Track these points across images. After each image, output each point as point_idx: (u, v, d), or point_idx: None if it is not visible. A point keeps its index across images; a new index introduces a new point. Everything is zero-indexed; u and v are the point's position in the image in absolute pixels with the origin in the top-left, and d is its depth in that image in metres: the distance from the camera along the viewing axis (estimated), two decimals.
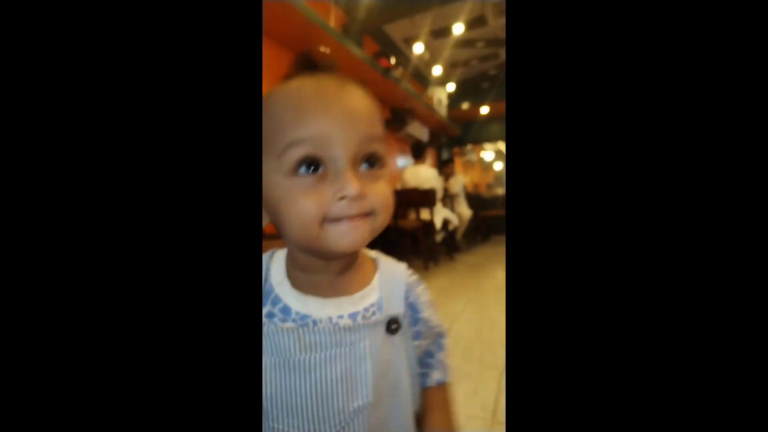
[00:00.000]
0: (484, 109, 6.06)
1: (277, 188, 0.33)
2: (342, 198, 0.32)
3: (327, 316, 0.36)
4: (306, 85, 0.34)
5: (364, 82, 0.36)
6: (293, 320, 0.35)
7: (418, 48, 4.87)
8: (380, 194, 0.34)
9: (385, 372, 0.36)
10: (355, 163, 0.33)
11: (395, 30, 4.61)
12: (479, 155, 9.24)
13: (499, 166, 10.60)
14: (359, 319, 0.37)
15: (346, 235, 0.33)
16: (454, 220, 3.84)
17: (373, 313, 0.38)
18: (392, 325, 0.38)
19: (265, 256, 0.40)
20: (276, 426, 0.34)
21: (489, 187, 7.68)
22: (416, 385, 0.42)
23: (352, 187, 0.32)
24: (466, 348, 1.58)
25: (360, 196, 0.32)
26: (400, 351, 0.38)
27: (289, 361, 0.34)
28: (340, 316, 0.36)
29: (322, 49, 2.86)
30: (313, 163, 0.32)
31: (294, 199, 0.32)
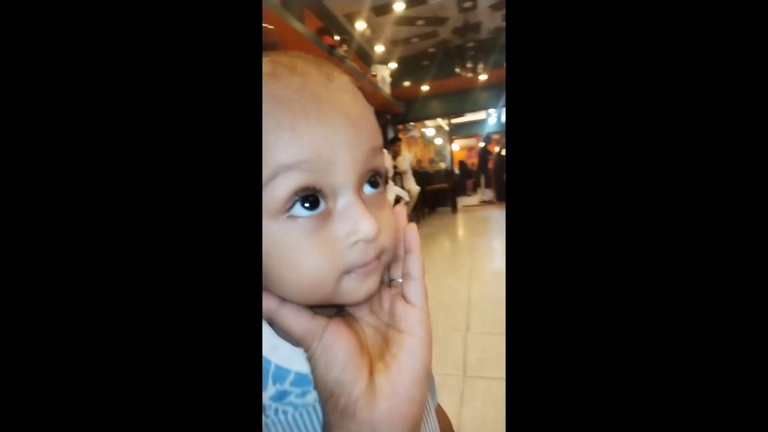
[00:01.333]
0: (425, 87, 6.20)
1: (267, 236, 0.23)
2: (356, 243, 0.24)
3: None
4: (285, 78, 0.24)
5: None
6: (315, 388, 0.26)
7: (360, 25, 4.81)
8: (390, 229, 0.26)
9: None
10: (360, 188, 0.25)
11: (336, 5, 4.49)
12: (421, 131, 9.47)
13: (439, 141, 10.96)
14: None
15: (362, 285, 0.25)
16: (405, 196, 4.00)
17: None
18: None
19: None
20: None
21: (431, 161, 7.96)
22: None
23: (368, 226, 0.24)
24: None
25: (376, 237, 0.24)
26: None
27: None
28: None
29: (266, 25, 2.73)
30: (310, 197, 0.23)
31: (298, 254, 0.23)
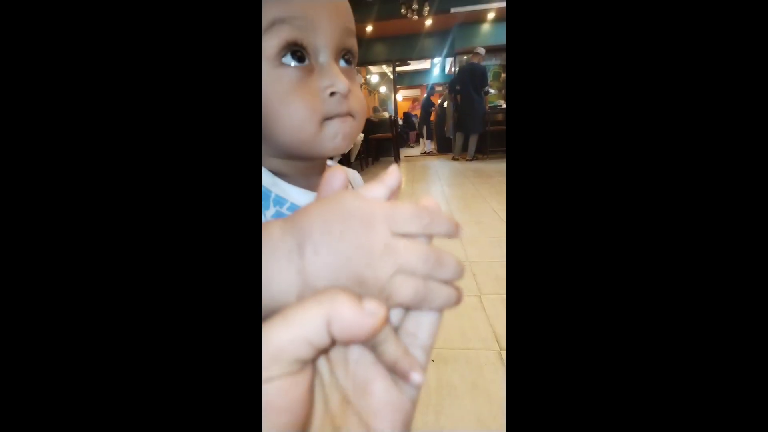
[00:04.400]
0: (369, 28, 5.90)
1: (266, 80, 0.29)
2: (332, 94, 0.31)
3: None
4: None
5: None
6: None
7: None
8: (358, 95, 0.33)
9: None
10: (336, 58, 0.32)
11: None
12: (365, 78, 9.13)
13: (383, 89, 10.70)
14: None
15: (339, 133, 0.32)
16: None
17: None
18: None
19: None
20: None
21: (375, 110, 7.80)
22: None
23: (342, 82, 0.30)
24: None
25: (347, 94, 0.31)
26: None
27: None
28: None
29: None
30: (298, 51, 0.30)
31: (289, 95, 0.30)
